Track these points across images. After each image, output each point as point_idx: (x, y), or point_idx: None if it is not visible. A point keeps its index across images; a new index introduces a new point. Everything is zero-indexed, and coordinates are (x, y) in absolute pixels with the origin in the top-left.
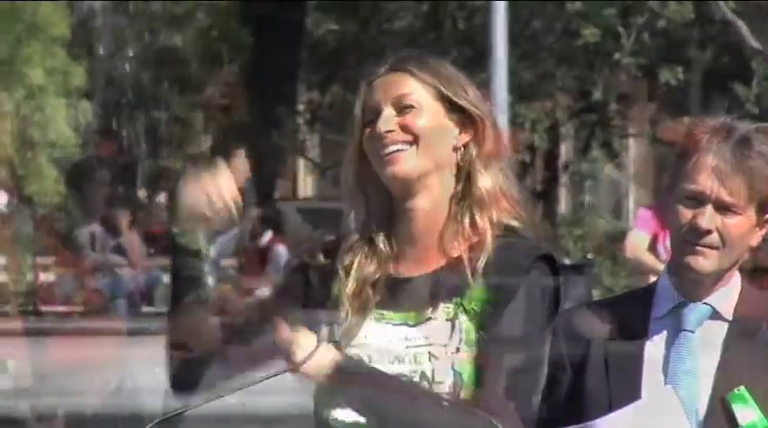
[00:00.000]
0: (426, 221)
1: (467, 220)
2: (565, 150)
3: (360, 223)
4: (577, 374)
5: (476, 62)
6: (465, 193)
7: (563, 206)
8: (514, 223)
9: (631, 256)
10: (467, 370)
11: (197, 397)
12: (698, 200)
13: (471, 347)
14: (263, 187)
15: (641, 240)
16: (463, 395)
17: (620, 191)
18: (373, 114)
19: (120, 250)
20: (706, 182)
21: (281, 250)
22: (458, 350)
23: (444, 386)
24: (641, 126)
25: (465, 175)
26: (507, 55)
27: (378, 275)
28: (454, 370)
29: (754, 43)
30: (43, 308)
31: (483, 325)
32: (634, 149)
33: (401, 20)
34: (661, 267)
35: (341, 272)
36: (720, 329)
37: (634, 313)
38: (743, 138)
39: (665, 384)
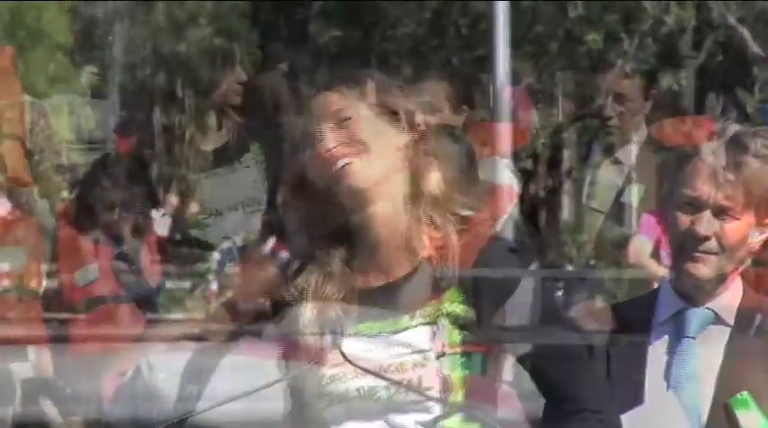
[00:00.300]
0: (389, 226)
1: (425, 219)
2: (568, 156)
3: (301, 245)
4: None
5: (479, 67)
6: (418, 193)
7: (566, 213)
8: (471, 213)
9: (634, 262)
10: (454, 373)
11: (201, 403)
12: (695, 205)
13: (455, 349)
14: (267, 193)
15: (644, 246)
16: (452, 398)
17: (622, 197)
18: (313, 136)
19: (124, 257)
20: (703, 187)
21: (285, 256)
22: (443, 354)
23: (433, 391)
24: (643, 131)
25: (415, 175)
26: (510, 60)
27: (342, 292)
28: (441, 375)
29: (757, 49)
30: (47, 315)
31: (467, 327)
32: (636, 155)
33: (404, 26)
34: (664, 273)
35: (296, 296)
36: (722, 334)
37: (637, 319)
38: (739, 141)
39: (668, 389)
